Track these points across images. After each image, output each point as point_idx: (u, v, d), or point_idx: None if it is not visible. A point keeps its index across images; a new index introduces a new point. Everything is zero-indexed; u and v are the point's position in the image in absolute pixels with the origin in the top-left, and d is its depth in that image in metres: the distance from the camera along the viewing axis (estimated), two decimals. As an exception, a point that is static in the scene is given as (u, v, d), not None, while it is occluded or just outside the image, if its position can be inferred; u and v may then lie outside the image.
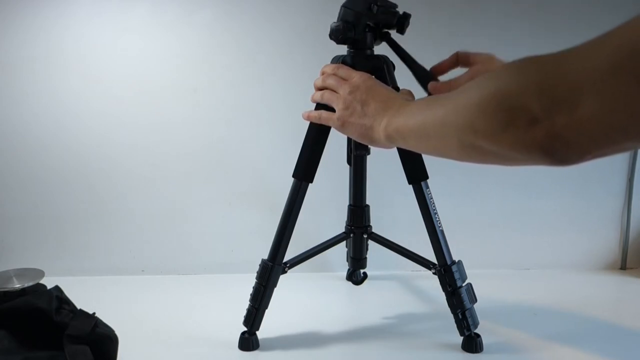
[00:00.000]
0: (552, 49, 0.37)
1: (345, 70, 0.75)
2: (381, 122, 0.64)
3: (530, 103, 0.35)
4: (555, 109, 0.34)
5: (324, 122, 0.77)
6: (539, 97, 0.35)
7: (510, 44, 1.26)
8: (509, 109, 0.37)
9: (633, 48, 0.29)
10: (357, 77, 0.72)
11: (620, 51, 0.30)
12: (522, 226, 1.39)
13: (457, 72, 0.84)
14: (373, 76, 0.75)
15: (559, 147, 0.35)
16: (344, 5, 0.93)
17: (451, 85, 0.78)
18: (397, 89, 0.96)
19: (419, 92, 0.80)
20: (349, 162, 1.12)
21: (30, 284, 0.81)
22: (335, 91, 0.74)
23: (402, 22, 0.90)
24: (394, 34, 0.93)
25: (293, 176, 0.98)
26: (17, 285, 0.80)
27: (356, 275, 1.27)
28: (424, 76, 0.87)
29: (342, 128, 0.72)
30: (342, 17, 0.92)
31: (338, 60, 0.96)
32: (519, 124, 0.37)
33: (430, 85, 0.84)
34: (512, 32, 1.29)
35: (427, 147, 0.57)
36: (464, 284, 0.97)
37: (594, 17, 1.28)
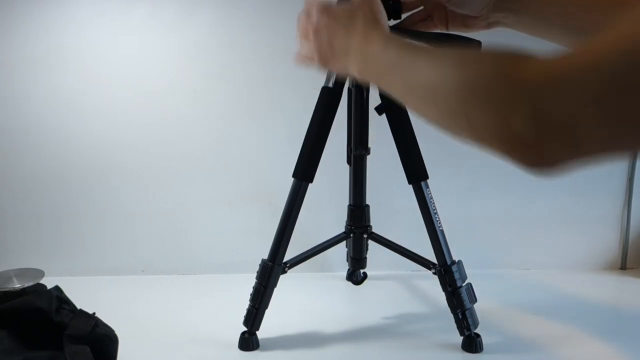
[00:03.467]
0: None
1: (309, 8, 0.68)
2: (355, 66, 0.61)
3: (524, 129, 0.33)
4: (549, 137, 0.33)
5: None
6: (535, 124, 0.33)
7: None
8: (501, 127, 0.36)
9: (630, 61, 0.28)
10: (315, 16, 0.66)
11: (617, 62, 0.29)
12: (522, 226, 1.39)
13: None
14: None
15: (546, 168, 0.34)
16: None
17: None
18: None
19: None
20: (349, 162, 1.12)
21: (30, 284, 0.81)
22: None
23: (396, 7, 0.90)
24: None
25: (293, 176, 0.98)
26: (17, 285, 0.80)
27: (356, 275, 1.27)
28: (444, 41, 0.85)
29: (327, 70, 0.71)
30: None
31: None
32: (511, 144, 0.35)
33: None
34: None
35: (402, 97, 0.53)
36: (464, 284, 0.97)
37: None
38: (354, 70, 0.61)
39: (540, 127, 0.33)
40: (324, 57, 0.66)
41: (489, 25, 0.70)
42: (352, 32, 0.60)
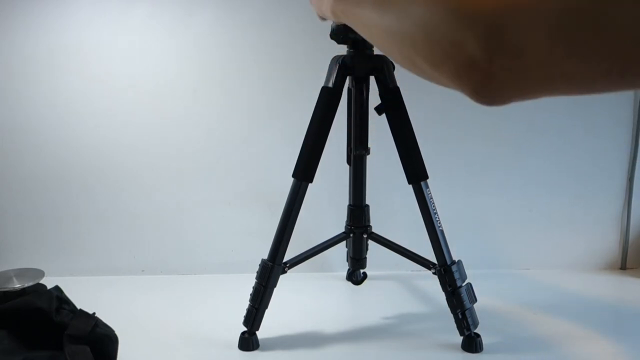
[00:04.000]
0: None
1: None
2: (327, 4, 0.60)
3: (474, 44, 0.33)
4: (499, 53, 0.32)
5: None
6: (486, 39, 0.33)
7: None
8: (450, 43, 0.35)
9: None
10: None
11: None
12: (522, 226, 1.39)
13: None
14: None
15: (492, 89, 0.34)
16: None
17: None
18: (397, 88, 0.96)
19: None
20: (348, 162, 1.13)
21: (30, 284, 0.81)
22: None
23: None
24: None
25: (293, 176, 0.98)
26: (17, 285, 0.80)
27: (356, 275, 1.27)
28: None
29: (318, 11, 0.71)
30: None
31: (338, 60, 0.96)
32: (458, 61, 0.34)
33: None
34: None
35: (370, 38, 0.53)
36: (463, 284, 0.97)
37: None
38: (326, 8, 0.60)
39: (491, 48, 0.32)
40: None
41: None
42: None
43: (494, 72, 0.32)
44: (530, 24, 0.30)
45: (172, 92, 1.29)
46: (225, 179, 1.34)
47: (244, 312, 1.00)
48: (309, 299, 1.22)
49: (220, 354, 0.98)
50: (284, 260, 1.00)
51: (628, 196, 1.39)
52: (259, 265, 0.99)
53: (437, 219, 0.98)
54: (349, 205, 1.17)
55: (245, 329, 0.99)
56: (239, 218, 1.35)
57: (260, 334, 1.00)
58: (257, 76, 1.30)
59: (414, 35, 0.38)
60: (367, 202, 1.16)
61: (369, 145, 1.07)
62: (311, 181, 0.97)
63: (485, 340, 0.99)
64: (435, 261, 1.00)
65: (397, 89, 0.96)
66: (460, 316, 0.97)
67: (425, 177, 0.98)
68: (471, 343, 0.98)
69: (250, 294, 0.99)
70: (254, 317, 0.98)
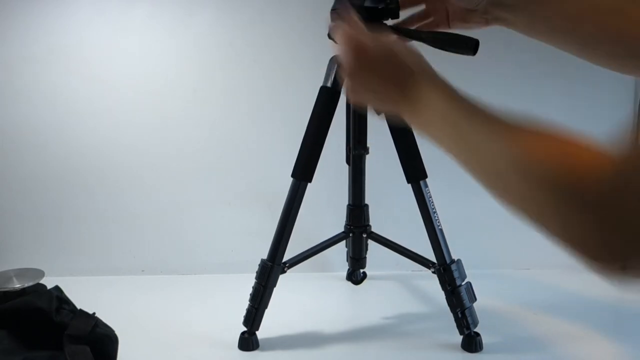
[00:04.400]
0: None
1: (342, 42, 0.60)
2: (408, 115, 0.55)
3: (609, 239, 0.32)
4: (635, 251, 0.31)
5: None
6: (619, 234, 0.31)
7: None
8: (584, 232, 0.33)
9: None
10: (348, 59, 0.58)
11: None
12: (522, 226, 1.38)
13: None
14: (388, 40, 0.60)
15: (624, 280, 0.33)
16: (333, 9, 0.94)
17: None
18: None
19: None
20: (347, 161, 1.12)
21: (30, 284, 0.81)
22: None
23: (392, 8, 0.90)
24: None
25: (292, 176, 0.98)
26: (17, 285, 0.80)
27: (356, 275, 1.27)
28: (442, 39, 0.85)
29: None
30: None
31: (336, 60, 0.96)
32: (594, 252, 0.33)
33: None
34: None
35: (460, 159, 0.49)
36: (463, 283, 0.97)
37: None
38: (407, 119, 0.55)
39: (624, 238, 0.31)
40: (359, 96, 0.60)
41: (488, 22, 0.69)
42: (397, 86, 0.54)
43: (631, 267, 0.31)
44: None
45: (172, 92, 1.29)
46: (225, 179, 1.34)
47: (244, 312, 1.00)
48: (309, 299, 1.22)
49: (220, 354, 0.98)
50: (284, 260, 1.00)
51: (628, 196, 1.39)
52: (259, 265, 0.99)
53: (436, 218, 0.98)
54: (349, 205, 1.17)
55: (245, 329, 0.99)
56: (239, 218, 1.35)
57: (260, 334, 1.00)
58: (257, 76, 1.30)
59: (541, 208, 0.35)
60: (367, 201, 1.16)
61: (368, 145, 1.07)
62: (310, 181, 0.97)
63: (485, 339, 0.99)
64: (434, 260, 1.00)
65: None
66: (459, 315, 0.97)
67: (425, 176, 0.98)
68: (471, 342, 0.98)
69: (250, 294, 0.99)
70: (253, 317, 0.98)
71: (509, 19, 0.65)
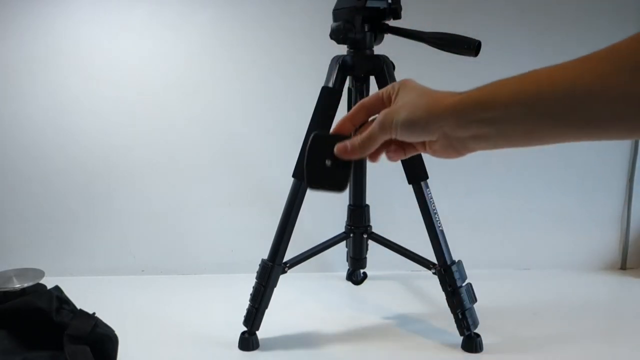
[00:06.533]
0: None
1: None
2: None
3: None
4: None
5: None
6: None
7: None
8: None
9: None
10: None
11: None
12: (522, 226, 1.39)
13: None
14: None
15: None
16: (335, 9, 0.94)
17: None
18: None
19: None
20: (348, 162, 1.12)
21: (30, 284, 0.81)
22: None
23: (394, 8, 0.90)
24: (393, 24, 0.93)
25: (293, 176, 0.98)
26: (17, 285, 0.80)
27: (356, 275, 1.27)
28: (444, 40, 0.84)
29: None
30: (338, 19, 0.93)
31: (338, 60, 0.96)
32: None
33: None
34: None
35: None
36: (463, 284, 0.97)
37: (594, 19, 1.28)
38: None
39: None
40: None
41: (459, 151, 0.44)
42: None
43: None
44: None
45: (172, 92, 1.29)
46: (226, 179, 1.34)
47: (244, 312, 1.00)
48: (309, 299, 1.22)
49: (220, 354, 0.98)
50: (284, 260, 1.00)
51: (628, 196, 1.39)
52: (259, 265, 0.99)
53: (437, 219, 0.98)
54: (349, 205, 1.17)
55: (245, 329, 0.99)
56: (239, 218, 1.35)
57: (260, 334, 1.00)
58: (257, 76, 1.30)
59: None
60: (367, 202, 1.16)
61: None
62: (311, 181, 0.97)
63: (485, 340, 0.99)
64: (435, 261, 1.00)
65: (397, 89, 0.96)
66: (460, 316, 0.97)
67: (426, 177, 0.98)
68: (471, 343, 0.98)
69: (250, 294, 0.99)
70: (254, 317, 0.98)
71: (491, 137, 0.42)
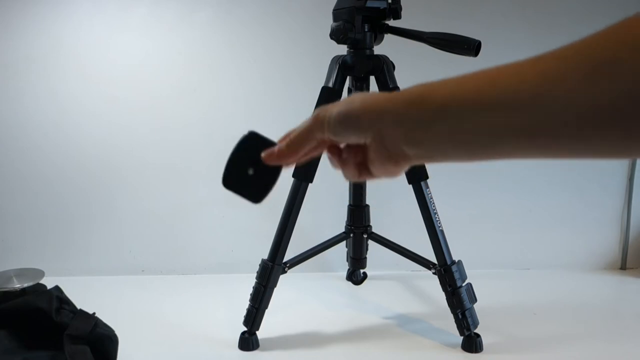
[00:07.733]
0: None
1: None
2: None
3: None
4: None
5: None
6: None
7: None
8: None
9: None
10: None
11: None
12: (522, 226, 1.39)
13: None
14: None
15: None
16: (335, 9, 0.94)
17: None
18: (397, 88, 0.96)
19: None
20: (349, 162, 1.12)
21: (30, 284, 0.81)
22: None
23: (394, 8, 0.90)
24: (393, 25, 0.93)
25: (293, 176, 0.98)
26: (17, 285, 0.80)
27: (356, 275, 1.27)
28: (444, 40, 0.84)
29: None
30: (338, 19, 0.93)
31: (338, 60, 0.96)
32: None
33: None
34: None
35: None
36: (463, 284, 0.97)
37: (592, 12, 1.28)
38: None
39: None
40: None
41: (397, 162, 0.40)
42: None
43: None
44: None
45: (171, 92, 1.29)
46: (225, 179, 1.33)
47: (244, 312, 1.00)
48: (309, 299, 1.22)
49: (220, 354, 0.98)
50: (284, 260, 1.00)
51: (628, 196, 1.39)
52: (259, 265, 0.99)
53: (437, 219, 0.98)
54: (349, 205, 1.16)
55: (245, 329, 0.99)
56: (239, 218, 1.35)
57: (260, 334, 1.00)
58: (258, 76, 1.30)
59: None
60: (367, 202, 1.16)
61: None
62: (311, 181, 0.97)
63: (485, 340, 0.99)
64: (435, 261, 1.00)
65: (397, 89, 0.96)
66: (460, 316, 0.97)
67: (426, 177, 0.98)
68: (471, 343, 0.98)
69: (250, 294, 0.99)
70: (254, 317, 0.98)
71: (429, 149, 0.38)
